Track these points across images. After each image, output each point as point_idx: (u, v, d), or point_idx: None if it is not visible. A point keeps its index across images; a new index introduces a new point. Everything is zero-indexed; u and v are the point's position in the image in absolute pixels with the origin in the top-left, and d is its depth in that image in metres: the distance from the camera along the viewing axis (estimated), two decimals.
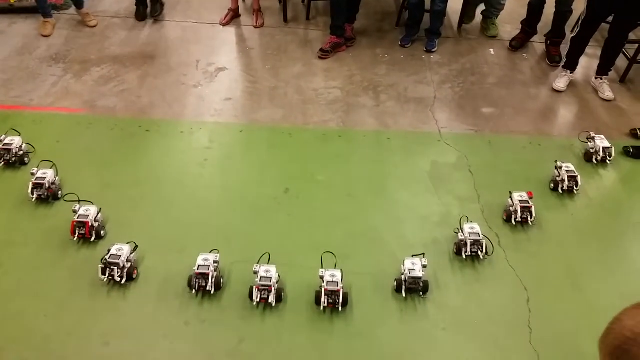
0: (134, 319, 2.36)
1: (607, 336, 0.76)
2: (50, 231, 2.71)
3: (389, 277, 2.56)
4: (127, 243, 2.52)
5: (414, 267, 2.47)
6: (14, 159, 3.05)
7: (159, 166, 3.19)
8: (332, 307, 2.40)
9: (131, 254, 2.51)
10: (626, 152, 3.40)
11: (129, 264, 2.48)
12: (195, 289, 2.42)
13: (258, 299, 2.38)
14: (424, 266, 2.47)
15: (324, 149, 3.38)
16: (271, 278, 2.38)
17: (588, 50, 3.97)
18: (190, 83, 3.92)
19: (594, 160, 3.30)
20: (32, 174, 2.84)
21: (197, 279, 2.42)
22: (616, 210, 3.08)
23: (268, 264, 2.49)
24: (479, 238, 2.64)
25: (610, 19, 3.83)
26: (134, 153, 3.27)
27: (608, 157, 3.28)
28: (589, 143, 3.35)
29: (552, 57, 4.32)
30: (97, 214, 2.69)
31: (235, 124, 3.56)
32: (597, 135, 3.34)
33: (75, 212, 2.65)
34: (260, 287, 2.37)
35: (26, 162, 3.09)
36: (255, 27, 4.63)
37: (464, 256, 2.64)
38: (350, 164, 3.26)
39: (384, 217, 2.90)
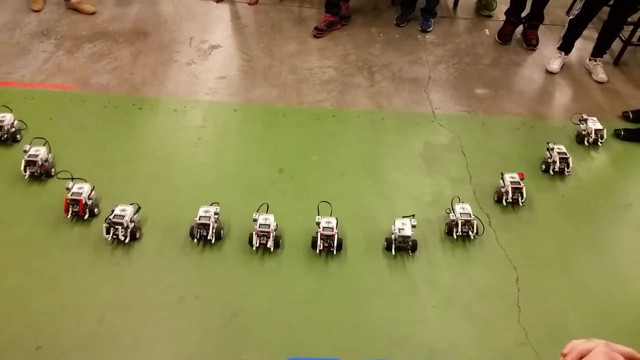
0: (129, 295, 2.38)
1: None
2: (44, 209, 2.71)
3: (380, 251, 2.60)
4: (130, 204, 2.58)
5: (403, 226, 2.59)
6: (5, 136, 3.03)
7: (153, 144, 3.18)
8: (327, 250, 2.56)
9: (134, 214, 2.57)
10: (617, 135, 3.42)
11: (132, 224, 2.55)
12: (196, 237, 2.55)
13: (257, 244, 2.54)
14: (413, 226, 2.59)
15: (318, 129, 3.38)
16: (269, 225, 2.54)
17: (583, 31, 3.96)
18: (183, 60, 3.89)
19: (586, 142, 3.32)
20: (25, 151, 2.82)
21: (198, 228, 2.55)
22: (606, 191, 3.11)
23: (267, 212, 2.63)
24: (469, 218, 2.67)
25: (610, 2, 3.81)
26: (127, 131, 3.26)
27: (600, 139, 3.30)
28: (581, 125, 3.37)
29: (528, 41, 4.27)
30: (91, 191, 2.69)
31: (230, 103, 3.54)
32: (589, 117, 3.36)
33: (68, 189, 2.65)
34: (260, 233, 2.53)
35: (18, 139, 3.08)
36: (250, 4, 4.58)
37: (454, 236, 2.68)
38: (344, 144, 3.27)
39: (377, 197, 2.92)
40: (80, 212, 2.63)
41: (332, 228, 2.55)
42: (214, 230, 2.55)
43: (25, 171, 2.81)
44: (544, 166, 3.14)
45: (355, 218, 2.79)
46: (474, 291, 2.50)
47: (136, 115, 3.38)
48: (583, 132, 3.33)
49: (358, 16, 4.51)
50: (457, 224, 2.67)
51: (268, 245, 2.55)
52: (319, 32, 4.21)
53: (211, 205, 2.62)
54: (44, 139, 2.96)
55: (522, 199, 2.87)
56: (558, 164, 3.07)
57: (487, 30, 4.48)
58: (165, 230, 2.66)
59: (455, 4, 4.74)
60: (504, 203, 2.89)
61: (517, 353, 2.28)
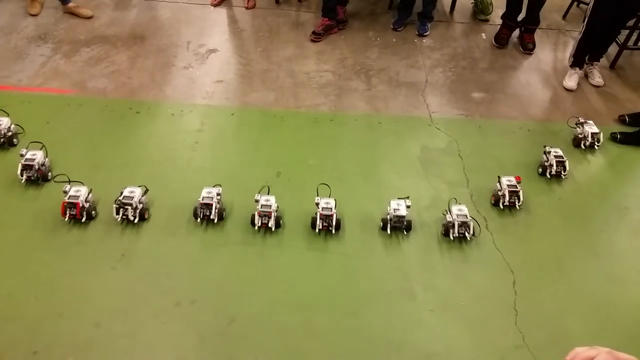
0: (126, 299, 2.37)
1: None
2: (40, 212, 2.71)
3: (379, 256, 2.60)
4: (138, 186, 2.70)
5: (398, 207, 2.70)
6: (2, 140, 3.03)
7: (150, 148, 3.18)
8: (326, 229, 2.67)
9: (142, 196, 2.68)
10: (614, 138, 3.43)
11: (141, 205, 2.66)
12: (200, 217, 2.67)
13: (259, 224, 2.64)
14: (408, 206, 2.70)
15: (315, 133, 3.38)
16: (271, 205, 2.65)
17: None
18: (180, 64, 3.89)
19: (583, 146, 3.33)
20: (22, 155, 2.82)
21: (201, 208, 2.65)
22: (603, 195, 3.12)
23: (268, 194, 2.75)
24: (466, 220, 2.69)
25: None
26: (124, 135, 3.26)
27: (596, 143, 3.31)
28: (577, 128, 3.38)
29: (525, 45, 4.28)
30: (88, 194, 2.69)
31: (227, 107, 3.55)
32: (585, 121, 3.37)
33: (65, 192, 2.65)
34: (261, 213, 2.63)
35: (15, 143, 3.07)
36: (247, 8, 4.59)
37: (451, 237, 2.69)
38: (341, 148, 3.27)
39: (374, 201, 2.92)
40: (78, 215, 2.63)
41: (331, 208, 2.66)
42: (216, 210, 2.65)
43: (21, 175, 2.81)
44: (540, 169, 3.15)
45: (353, 222, 2.79)
46: (471, 295, 2.50)
47: (133, 119, 3.37)
48: (580, 136, 3.34)
49: (355, 20, 4.52)
50: (453, 225, 2.68)
51: (269, 225, 2.64)
52: (316, 37, 4.22)
53: (214, 186, 2.72)
54: (40, 143, 2.95)
55: (519, 203, 2.88)
56: (555, 167, 3.08)
57: (483, 34, 4.50)
58: (163, 229, 2.66)
59: (452, 8, 4.75)
60: (501, 206, 2.89)
61: (515, 356, 2.27)
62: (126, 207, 2.61)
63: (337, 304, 2.42)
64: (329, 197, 2.77)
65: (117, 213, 2.63)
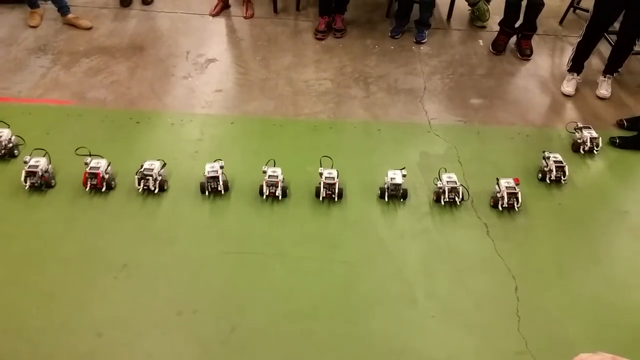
0: (126, 311, 2.37)
1: None
2: (44, 221, 2.71)
3: (380, 263, 2.60)
4: (157, 160, 2.92)
5: (395, 176, 2.89)
6: (3, 151, 3.03)
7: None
8: (329, 197, 2.88)
9: (161, 169, 2.91)
10: (612, 143, 3.44)
11: (160, 177, 2.87)
12: (208, 190, 2.85)
13: (267, 193, 2.83)
14: (404, 175, 2.90)
15: (314, 140, 3.39)
16: (277, 176, 2.84)
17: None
18: (180, 74, 3.91)
19: (582, 151, 3.34)
20: (25, 162, 2.83)
21: (208, 182, 2.83)
22: (603, 199, 3.12)
23: (274, 166, 2.95)
24: (455, 185, 2.88)
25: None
26: (124, 145, 3.26)
27: (595, 148, 3.32)
28: (576, 133, 3.39)
29: (522, 51, 4.30)
30: (107, 166, 2.88)
31: (226, 116, 3.56)
32: (584, 126, 3.38)
33: (87, 164, 2.85)
34: (269, 182, 2.82)
35: (16, 154, 3.08)
36: (245, 17, 4.62)
37: (442, 203, 2.91)
38: (341, 155, 3.27)
39: (373, 207, 2.93)
40: (99, 184, 2.82)
41: (334, 177, 2.85)
42: (222, 184, 2.84)
43: (25, 182, 2.81)
44: (540, 175, 3.16)
45: (354, 229, 2.80)
46: (473, 301, 2.50)
47: (133, 129, 3.38)
48: (578, 141, 3.36)
49: (353, 28, 4.55)
50: (444, 192, 2.87)
51: (277, 194, 2.83)
52: (322, 34, 4.29)
53: (215, 161, 2.90)
54: (44, 150, 2.97)
55: (517, 204, 2.88)
56: (554, 172, 3.08)
57: (481, 41, 4.52)
58: (165, 238, 2.66)
59: (449, 15, 4.78)
60: (500, 208, 2.90)
61: None
62: (147, 177, 2.81)
63: (337, 310, 2.42)
64: (332, 168, 2.96)
65: (139, 184, 2.84)
